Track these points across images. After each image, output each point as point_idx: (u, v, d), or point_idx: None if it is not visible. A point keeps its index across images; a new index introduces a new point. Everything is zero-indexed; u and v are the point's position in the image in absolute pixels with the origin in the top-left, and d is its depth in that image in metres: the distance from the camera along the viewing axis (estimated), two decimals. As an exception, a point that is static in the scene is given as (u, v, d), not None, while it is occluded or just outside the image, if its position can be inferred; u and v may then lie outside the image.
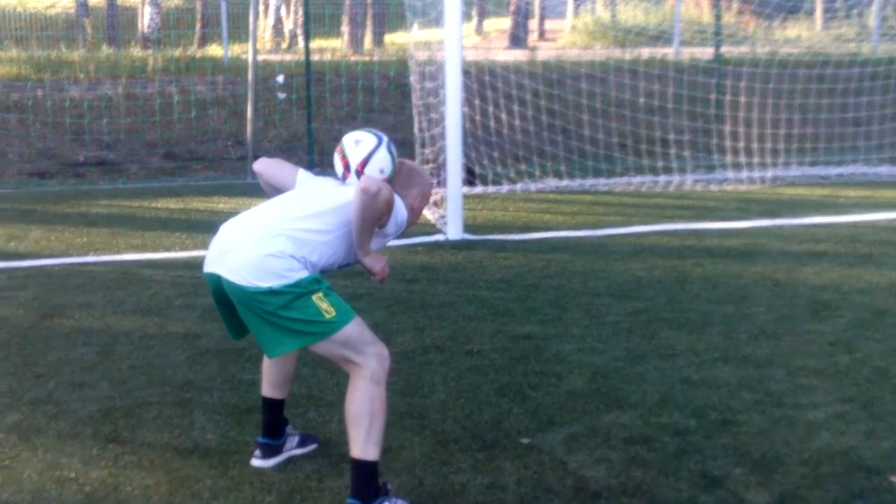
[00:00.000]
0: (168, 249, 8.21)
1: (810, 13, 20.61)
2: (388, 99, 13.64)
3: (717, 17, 14.44)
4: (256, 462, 4.20)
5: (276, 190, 4.10)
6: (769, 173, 11.27)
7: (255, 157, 12.02)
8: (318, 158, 12.18)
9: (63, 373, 5.35)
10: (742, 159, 11.65)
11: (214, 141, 12.94)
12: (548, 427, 4.58)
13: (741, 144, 11.87)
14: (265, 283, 3.55)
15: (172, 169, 12.43)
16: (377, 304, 6.48)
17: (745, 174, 11.29)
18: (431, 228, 8.88)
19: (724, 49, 13.92)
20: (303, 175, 4.10)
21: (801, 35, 18.63)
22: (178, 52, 15.85)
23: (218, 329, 6.05)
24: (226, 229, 3.81)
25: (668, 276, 7.23)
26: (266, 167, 4.18)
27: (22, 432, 4.57)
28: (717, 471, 4.10)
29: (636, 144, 12.07)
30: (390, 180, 4.01)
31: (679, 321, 6.17)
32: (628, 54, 14.98)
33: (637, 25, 18.34)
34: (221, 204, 10.19)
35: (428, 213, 9.43)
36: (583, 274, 7.32)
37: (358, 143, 3.99)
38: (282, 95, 13.64)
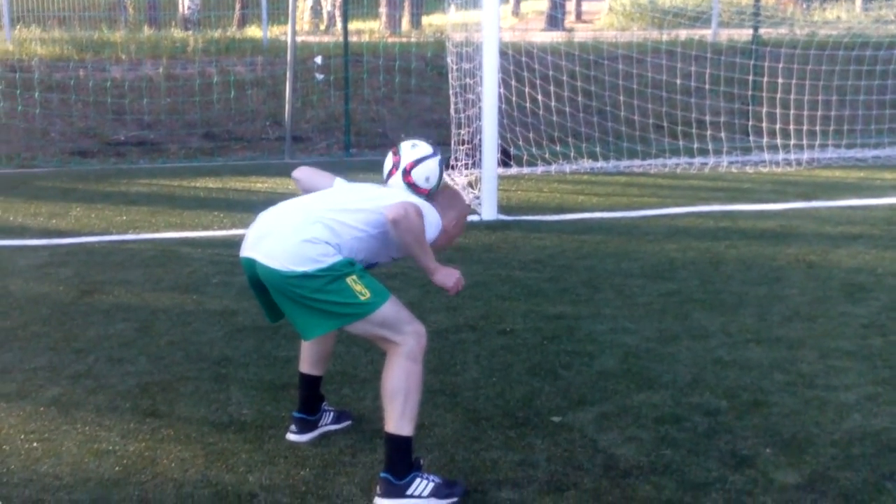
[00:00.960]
0: (206, 228, 8.32)
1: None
2: (424, 80, 13.66)
3: (756, -1, 14.32)
4: (292, 436, 4.28)
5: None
6: (805, 155, 11.20)
7: (294, 138, 12.14)
8: (356, 139, 12.23)
9: (102, 348, 5.46)
10: (778, 141, 11.58)
11: (253, 121, 13.04)
12: (578, 406, 4.62)
13: (777, 126, 11.79)
14: (300, 268, 3.62)
15: (211, 149, 12.55)
16: (411, 284, 6.53)
17: (780, 156, 11.22)
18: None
19: (762, 31, 13.80)
20: (340, 181, 4.16)
21: (841, 17, 18.43)
22: (217, 34, 15.95)
23: (254, 306, 6.12)
24: (263, 217, 3.88)
25: (702, 258, 7.23)
26: (304, 174, 4.24)
27: (62, 406, 4.68)
28: (747, 451, 4.13)
29: (672, 126, 12.02)
30: (431, 194, 4.10)
31: (712, 302, 6.17)
32: (666, 36, 14.89)
33: (675, 7, 18.21)
34: (259, 184, 10.28)
35: (463, 194, 9.47)
36: (616, 255, 7.34)
37: (414, 147, 4.12)
38: (320, 76, 13.71)
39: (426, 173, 4.09)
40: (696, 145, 11.52)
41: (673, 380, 4.93)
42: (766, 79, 12.48)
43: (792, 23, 16.24)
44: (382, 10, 21.58)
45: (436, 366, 5.10)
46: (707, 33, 15.77)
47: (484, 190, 8.66)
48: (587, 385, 4.87)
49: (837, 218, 8.52)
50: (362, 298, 3.65)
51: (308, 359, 4.30)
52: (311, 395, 4.31)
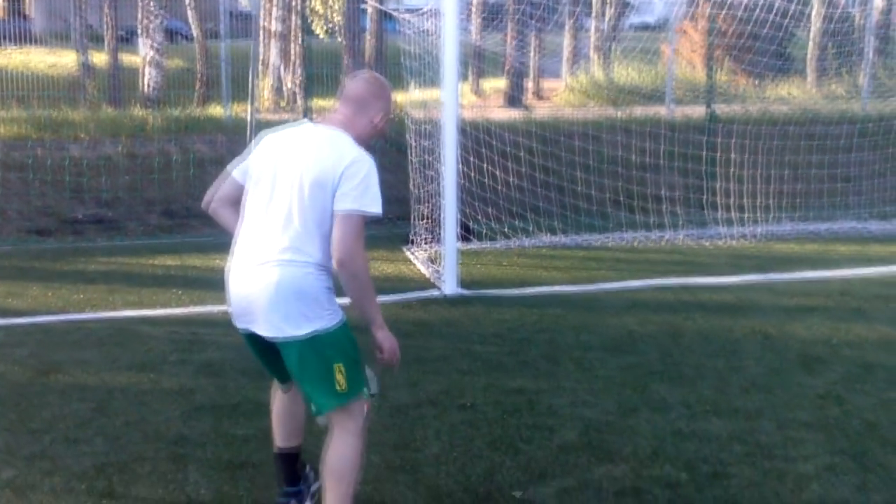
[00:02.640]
0: (164, 306, 8.25)
1: (801, 72, 20.87)
2: (385, 157, 13.72)
3: (710, 76, 14.58)
4: None
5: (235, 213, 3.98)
6: (760, 229, 11.36)
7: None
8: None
9: (58, 429, 5.38)
10: (734, 215, 11.75)
11: (213, 199, 13.05)
12: (540, 480, 4.61)
13: (733, 201, 11.97)
14: (300, 331, 3.66)
15: (170, 226, 12.51)
16: (371, 359, 6.49)
17: (736, 230, 11.38)
18: (427, 284, 8.94)
19: (716, 107, 14.07)
20: (239, 174, 3.96)
21: (793, 93, 18.84)
22: (178, 112, 16.01)
23: (212, 384, 6.10)
24: (238, 281, 3.78)
25: (661, 331, 7.28)
26: (217, 214, 4.08)
27: (17, 488, 4.60)
28: (707, 523, 4.13)
29: (629, 201, 12.17)
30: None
31: (671, 375, 6.21)
32: (622, 113, 15.15)
33: (631, 84, 18.57)
34: (218, 260, 10.21)
35: (424, 269, 9.50)
36: (576, 328, 7.37)
37: None
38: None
39: None
40: (653, 219, 11.66)
41: (633, 452, 4.93)
42: (720, 154, 12.70)
43: (745, 99, 16.58)
44: (343, 88, 21.79)
45: (396, 442, 5.08)
46: (662, 110, 16.07)
47: (445, 265, 8.70)
48: (548, 459, 4.87)
49: (793, 290, 8.62)
50: (338, 389, 3.72)
51: (289, 433, 4.19)
52: (295, 467, 4.22)
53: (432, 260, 9.71)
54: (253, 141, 3.96)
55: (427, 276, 9.26)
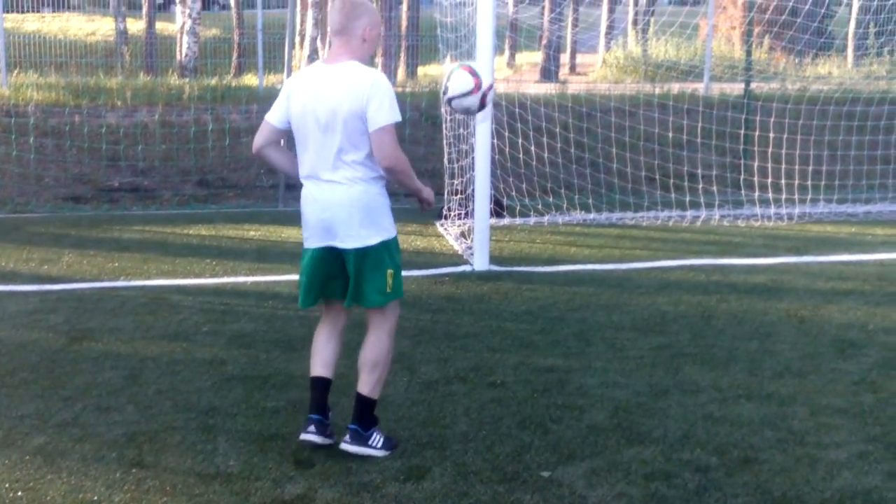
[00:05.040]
0: (198, 276, 8.30)
1: (841, 50, 20.57)
2: (419, 130, 13.72)
3: (748, 53, 14.37)
4: (310, 437, 4.58)
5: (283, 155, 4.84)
6: (797, 210, 11.23)
7: (287, 185, 12.14)
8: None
9: (90, 396, 5.43)
10: (770, 195, 11.62)
11: (247, 169, 13.06)
12: (568, 461, 4.60)
13: (769, 180, 11.84)
14: (374, 240, 4.46)
15: (205, 196, 12.56)
16: (402, 334, 6.47)
17: (772, 210, 11.26)
18: (458, 259, 8.92)
19: (754, 85, 13.89)
20: (277, 120, 4.61)
21: (832, 72, 18.58)
22: (213, 81, 16.03)
23: (244, 355, 6.13)
24: (318, 207, 4.48)
25: (694, 312, 7.22)
26: (275, 159, 4.78)
27: (47, 455, 4.65)
28: (736, 508, 4.10)
29: (664, 178, 12.06)
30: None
31: (703, 357, 6.16)
32: (658, 89, 15.00)
33: (667, 61, 18.37)
34: (252, 231, 10.28)
35: (455, 244, 9.48)
36: (607, 307, 7.33)
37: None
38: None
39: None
40: (688, 198, 11.56)
41: (663, 435, 4.91)
42: (757, 133, 12.56)
43: (784, 77, 16.37)
44: (378, 59, 21.75)
45: (425, 418, 5.08)
46: (699, 87, 15.89)
47: (476, 240, 8.67)
48: (577, 439, 4.85)
49: (828, 273, 8.53)
50: (387, 290, 4.51)
51: (323, 362, 4.67)
52: (325, 398, 4.68)
53: (464, 235, 9.69)
54: (282, 88, 4.67)
55: (458, 251, 9.24)
